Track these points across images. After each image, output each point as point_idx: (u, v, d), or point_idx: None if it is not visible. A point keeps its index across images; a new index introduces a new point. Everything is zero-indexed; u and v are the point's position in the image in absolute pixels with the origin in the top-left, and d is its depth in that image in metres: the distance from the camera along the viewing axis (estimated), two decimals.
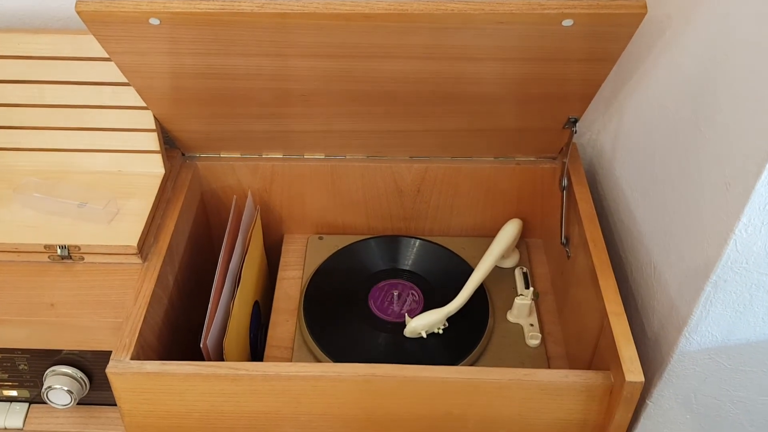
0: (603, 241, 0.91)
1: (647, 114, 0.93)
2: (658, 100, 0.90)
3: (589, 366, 0.91)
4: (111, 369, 0.82)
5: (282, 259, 1.14)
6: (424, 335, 0.99)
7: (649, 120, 0.93)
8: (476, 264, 1.04)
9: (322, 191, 1.12)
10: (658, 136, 0.90)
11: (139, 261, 0.94)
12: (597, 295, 0.88)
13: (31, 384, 0.97)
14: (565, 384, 0.81)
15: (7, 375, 0.96)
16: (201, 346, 0.91)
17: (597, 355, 0.88)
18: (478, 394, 0.82)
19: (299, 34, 0.80)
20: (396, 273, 1.09)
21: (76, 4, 0.75)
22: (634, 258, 0.95)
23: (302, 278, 1.11)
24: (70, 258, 0.94)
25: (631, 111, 0.98)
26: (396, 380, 0.82)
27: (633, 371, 0.78)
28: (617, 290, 0.86)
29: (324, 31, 0.79)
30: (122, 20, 0.76)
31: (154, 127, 0.99)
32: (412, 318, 0.99)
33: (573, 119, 0.96)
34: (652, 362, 0.90)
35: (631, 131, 0.98)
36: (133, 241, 0.93)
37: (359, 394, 0.83)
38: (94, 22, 0.77)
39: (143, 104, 0.96)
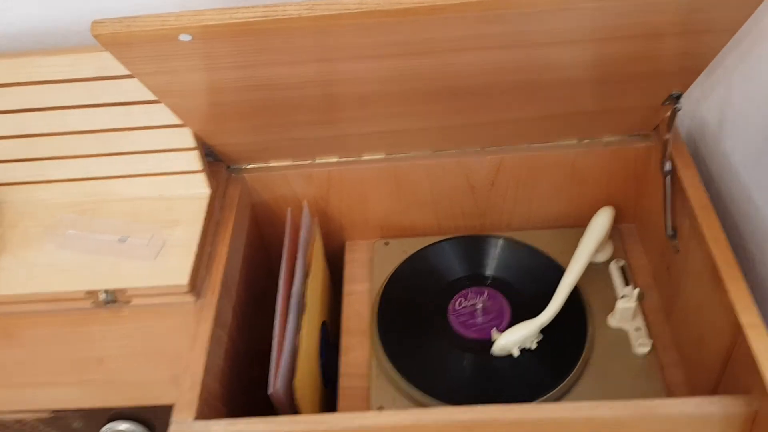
0: (725, 237, 0.78)
1: None
2: None
3: (717, 381, 0.78)
4: None
5: (346, 271, 1.03)
6: (516, 353, 0.88)
7: None
8: (566, 262, 0.92)
9: (385, 193, 1.00)
10: None
11: (193, 299, 0.83)
12: (723, 301, 0.75)
13: None
14: (699, 415, 0.69)
15: None
16: (270, 393, 0.80)
17: (728, 372, 0.76)
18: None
19: (354, 36, 0.68)
20: (476, 279, 0.97)
21: (92, 27, 0.63)
22: (759, 251, 0.82)
23: (371, 291, 1.00)
24: (116, 302, 0.84)
25: (744, 76, 0.83)
26: (502, 425, 0.71)
27: None
28: (751, 298, 0.73)
29: (384, 30, 0.67)
30: (147, 41, 0.64)
31: (194, 144, 0.87)
32: (500, 333, 0.88)
33: (676, 95, 0.82)
34: None
35: (744, 100, 0.84)
36: (184, 278, 0.82)
37: None
38: (115, 45, 0.65)
39: (179, 121, 0.84)
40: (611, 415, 0.70)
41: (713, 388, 0.79)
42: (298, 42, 0.69)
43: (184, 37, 0.64)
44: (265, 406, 0.82)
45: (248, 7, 0.63)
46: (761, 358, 0.69)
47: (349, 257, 1.05)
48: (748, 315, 0.72)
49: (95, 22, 0.64)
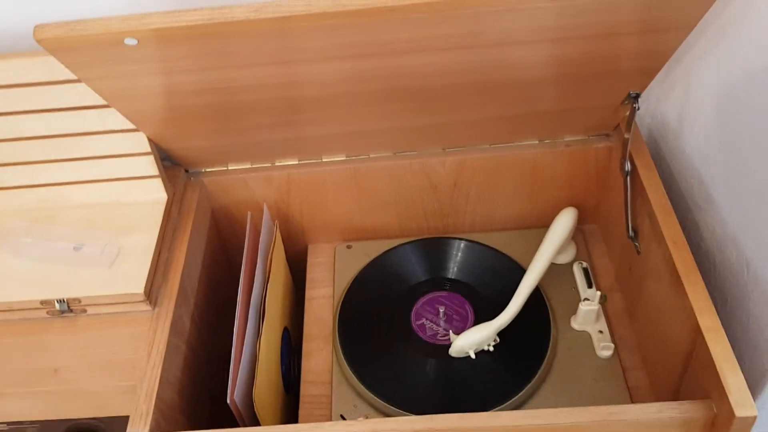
0: (684, 239, 0.78)
1: (731, 78, 0.77)
2: (751, 60, 0.74)
3: (678, 384, 0.78)
4: None
5: (308, 276, 1.02)
6: (473, 355, 0.87)
7: (734, 85, 0.77)
8: (528, 263, 0.91)
9: (346, 195, 0.98)
10: (748, 102, 0.75)
11: (149, 308, 0.82)
12: (684, 305, 0.74)
13: None
14: (659, 421, 0.69)
15: None
16: (228, 402, 0.79)
17: (689, 374, 0.75)
18: None
19: (307, 38, 0.66)
20: (439, 282, 0.96)
21: (35, 31, 0.61)
22: (719, 251, 0.82)
23: (333, 296, 0.98)
24: (71, 311, 0.82)
25: (705, 74, 0.82)
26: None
27: (743, 404, 0.65)
28: (710, 301, 0.73)
29: (338, 32, 0.65)
30: (92, 45, 0.63)
31: (148, 149, 0.85)
32: (457, 335, 0.87)
33: (634, 94, 0.82)
34: (749, 373, 0.77)
35: (705, 99, 0.83)
36: (139, 287, 0.81)
37: None
38: (59, 50, 0.63)
39: (134, 126, 0.82)
40: (571, 422, 0.69)
41: (675, 390, 0.79)
42: (250, 45, 0.67)
43: (130, 41, 0.62)
44: (229, 416, 0.81)
45: (194, 10, 0.61)
46: (720, 362, 0.69)
47: (311, 261, 1.04)
48: (707, 319, 0.72)
49: (38, 27, 0.62)
